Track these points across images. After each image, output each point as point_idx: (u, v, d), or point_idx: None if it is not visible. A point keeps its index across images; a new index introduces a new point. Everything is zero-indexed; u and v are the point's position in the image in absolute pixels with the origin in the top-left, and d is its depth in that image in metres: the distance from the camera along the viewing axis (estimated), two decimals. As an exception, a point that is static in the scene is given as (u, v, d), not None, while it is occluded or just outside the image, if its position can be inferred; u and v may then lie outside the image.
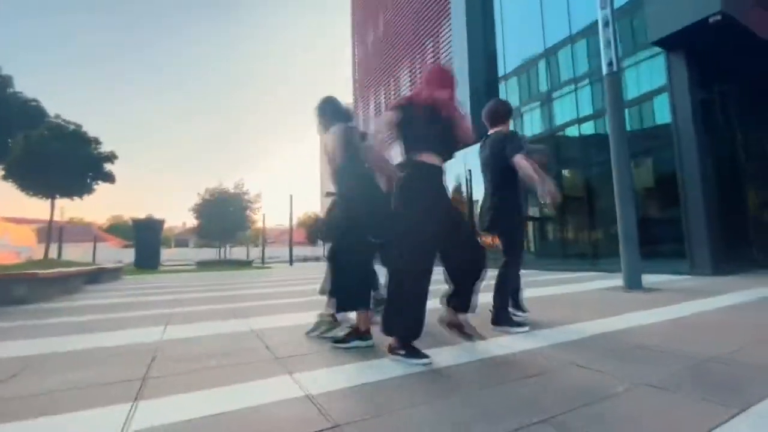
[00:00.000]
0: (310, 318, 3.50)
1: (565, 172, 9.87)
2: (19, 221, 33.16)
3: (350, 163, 2.46)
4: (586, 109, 8.93)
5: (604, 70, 5.24)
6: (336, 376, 1.87)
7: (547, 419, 1.32)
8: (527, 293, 3.83)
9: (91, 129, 11.18)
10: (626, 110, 7.89)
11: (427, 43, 14.72)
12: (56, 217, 19.89)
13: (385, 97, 18.12)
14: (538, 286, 5.50)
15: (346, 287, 2.39)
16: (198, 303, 5.01)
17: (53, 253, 17.68)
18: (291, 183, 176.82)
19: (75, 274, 7.42)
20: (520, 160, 2.71)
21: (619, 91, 5.25)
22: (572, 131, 9.33)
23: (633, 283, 4.80)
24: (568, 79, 9.46)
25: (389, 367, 1.96)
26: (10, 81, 7.11)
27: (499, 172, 2.93)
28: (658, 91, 7.45)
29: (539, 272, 8.29)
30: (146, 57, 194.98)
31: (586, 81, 8.95)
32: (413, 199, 2.08)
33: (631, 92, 7.92)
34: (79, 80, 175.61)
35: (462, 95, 11.96)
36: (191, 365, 2.13)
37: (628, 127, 8.02)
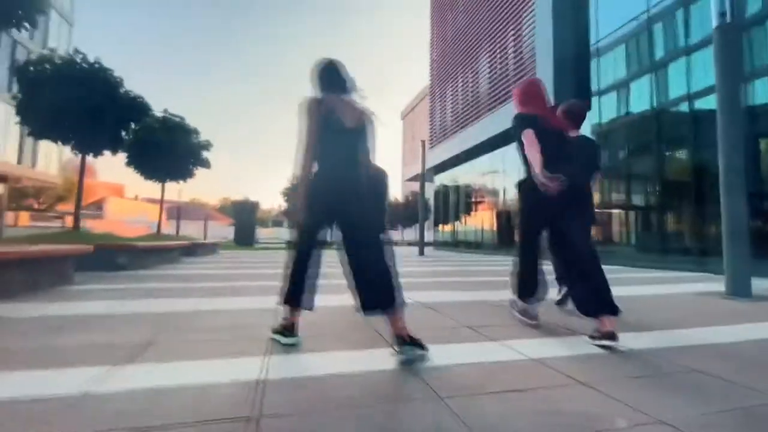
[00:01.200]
0: (333, 302, 3.46)
1: (670, 154, 8.38)
2: (154, 201, 39.64)
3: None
4: (700, 81, 7.36)
5: (714, 21, 4.21)
6: (309, 364, 1.79)
7: (490, 448, 1.06)
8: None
9: (190, 121, 12.80)
10: (758, 80, 6.37)
11: (509, 10, 13.48)
12: (177, 198, 23.46)
13: (462, 80, 17.12)
14: (623, 284, 4.73)
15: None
16: (258, 278, 5.35)
17: (172, 230, 20.67)
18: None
19: (171, 247, 8.50)
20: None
21: (734, 50, 4.19)
22: (682, 107, 7.82)
23: (738, 289, 3.86)
24: (678, 47, 7.91)
25: (378, 360, 1.81)
26: (121, 82, 8.50)
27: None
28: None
29: (631, 269, 7.22)
30: (233, 47, 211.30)
31: (702, 47, 7.37)
32: None
33: (762, 56, 6.33)
34: (179, 76, 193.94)
35: (545, 69, 10.76)
36: (191, 336, 2.23)
37: (756, 100, 6.51)
